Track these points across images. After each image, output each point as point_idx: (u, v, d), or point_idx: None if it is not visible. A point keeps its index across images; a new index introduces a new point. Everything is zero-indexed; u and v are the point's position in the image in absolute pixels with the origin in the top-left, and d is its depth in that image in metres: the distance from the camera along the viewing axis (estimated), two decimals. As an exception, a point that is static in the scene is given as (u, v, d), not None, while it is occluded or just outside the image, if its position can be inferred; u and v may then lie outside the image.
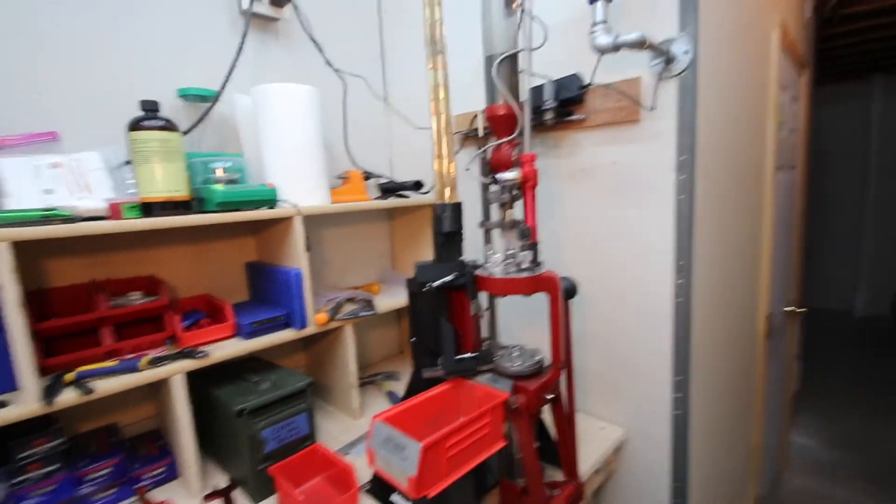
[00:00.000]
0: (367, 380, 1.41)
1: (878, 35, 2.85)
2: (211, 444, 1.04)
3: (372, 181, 1.43)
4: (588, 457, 1.00)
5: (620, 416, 1.13)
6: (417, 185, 1.35)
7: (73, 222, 0.77)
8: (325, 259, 1.41)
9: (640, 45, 0.77)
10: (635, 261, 1.04)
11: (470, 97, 1.12)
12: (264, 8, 1.22)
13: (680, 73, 0.90)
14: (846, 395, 2.98)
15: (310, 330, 1.07)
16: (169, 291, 1.05)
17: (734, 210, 1.26)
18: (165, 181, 0.89)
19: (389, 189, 1.39)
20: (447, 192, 0.70)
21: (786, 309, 2.13)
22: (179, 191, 0.92)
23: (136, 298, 1.00)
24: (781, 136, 1.70)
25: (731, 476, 1.45)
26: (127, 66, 1.03)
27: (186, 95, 1.09)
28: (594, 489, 1.10)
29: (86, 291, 0.95)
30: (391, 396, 1.30)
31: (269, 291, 1.16)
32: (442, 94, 0.67)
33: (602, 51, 0.79)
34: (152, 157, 0.87)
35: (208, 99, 1.11)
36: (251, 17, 1.19)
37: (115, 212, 0.87)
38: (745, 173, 1.33)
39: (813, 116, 2.73)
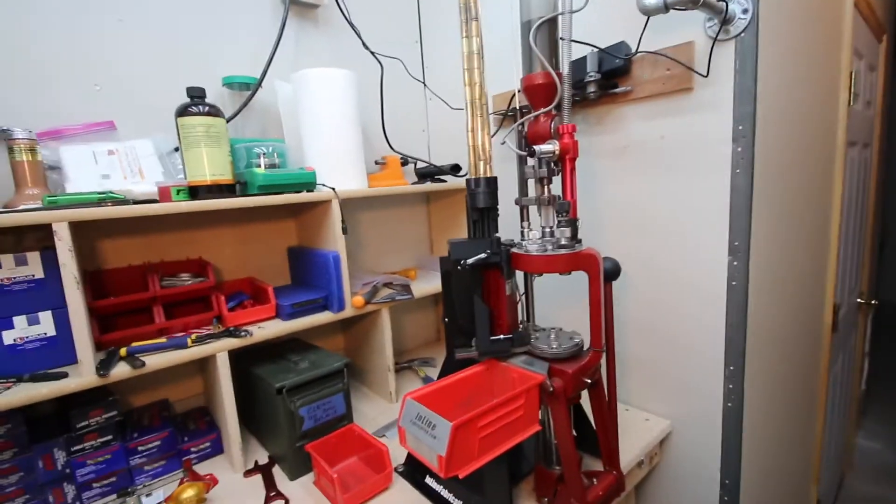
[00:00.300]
0: (404, 365, 1.42)
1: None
2: (253, 420, 1.08)
3: (409, 166, 1.42)
4: (630, 448, 0.95)
5: (666, 407, 1.07)
6: (455, 169, 1.33)
7: (126, 204, 0.81)
8: (362, 243, 1.42)
9: (694, 2, 0.70)
10: (685, 241, 0.97)
11: (508, 77, 1.08)
12: None
13: (738, 35, 0.82)
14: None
15: (347, 313, 1.08)
16: (216, 274, 1.09)
17: (799, 189, 1.15)
18: (211, 165, 0.92)
19: (427, 173, 1.38)
20: (481, 166, 0.68)
21: (856, 301, 1.95)
22: (224, 175, 0.95)
23: (186, 279, 1.04)
24: (855, 109, 1.54)
25: (789, 476, 1.35)
26: (175, 58, 1.08)
27: (230, 83, 1.13)
28: (636, 482, 1.05)
29: (140, 272, 1.01)
30: (427, 382, 1.30)
31: (308, 274, 1.18)
32: (476, 63, 0.64)
33: (649, 12, 0.73)
34: (199, 143, 0.90)
35: (251, 86, 1.14)
36: (291, 5, 1.21)
37: (164, 195, 0.91)
38: (812, 148, 1.22)
39: (893, 89, 2.46)
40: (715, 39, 0.85)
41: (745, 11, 0.81)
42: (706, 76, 0.88)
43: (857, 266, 1.92)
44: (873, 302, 1.98)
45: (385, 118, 1.36)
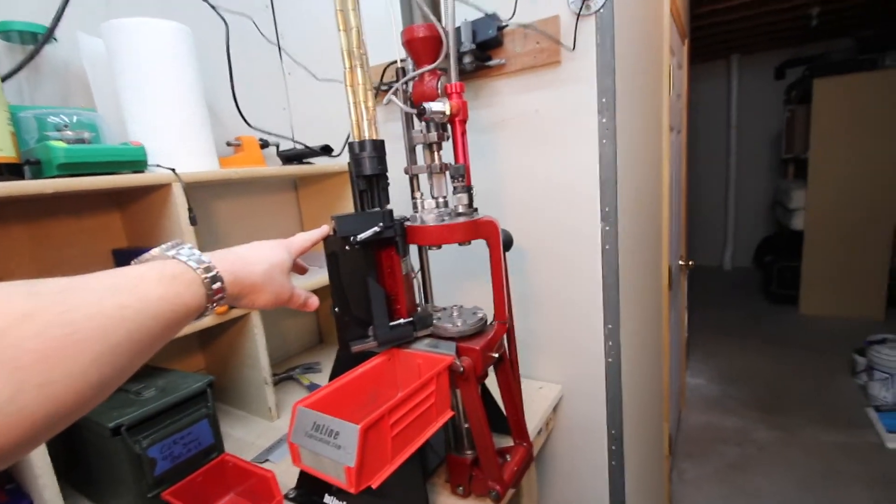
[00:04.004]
0: (284, 375, 1.25)
1: (735, 17, 3.21)
2: (82, 476, 0.82)
3: (271, 149, 1.25)
4: (531, 418, 0.96)
5: (556, 373, 1.11)
6: (326, 150, 1.20)
7: None
8: (218, 238, 1.20)
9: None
10: (564, 211, 1.01)
11: (381, 48, 1.00)
12: None
13: (598, 10, 0.86)
14: (724, 337, 3.39)
15: (205, 321, 0.89)
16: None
17: (643, 162, 1.30)
18: (-23, 139, 0.66)
19: (293, 156, 1.22)
20: (366, 126, 0.59)
21: (679, 263, 2.33)
22: (1, 150, 0.69)
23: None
24: (672, 99, 1.81)
25: (651, 418, 1.54)
26: None
27: (6, 32, 0.83)
28: (536, 451, 1.08)
29: None
30: (314, 389, 1.15)
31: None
32: (351, 3, 0.55)
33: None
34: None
35: (38, 38, 0.85)
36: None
37: None
38: (648, 127, 1.38)
39: (692, 84, 3.00)
40: (578, 14, 0.88)
41: (602, -13, 0.86)
42: (573, 50, 0.91)
43: (678, 234, 2.29)
44: (690, 263, 2.39)
45: (237, 92, 1.16)
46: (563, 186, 1.00)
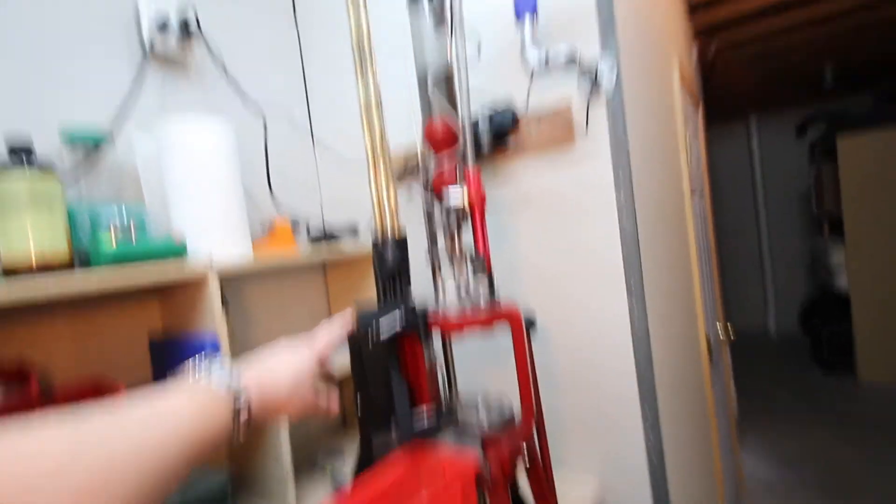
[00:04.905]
0: (305, 460, 1.21)
1: (751, 78, 3.30)
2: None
3: (301, 230, 1.30)
4: (567, 515, 0.88)
5: (590, 462, 1.04)
6: (354, 232, 1.25)
7: None
8: (248, 322, 1.23)
9: (571, 58, 0.77)
10: (588, 286, 1.00)
11: (401, 134, 1.06)
12: (170, 43, 1.09)
13: (608, 92, 0.91)
14: (778, 412, 3.12)
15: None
16: (43, 380, 0.83)
17: (665, 230, 1.29)
18: (38, 239, 0.72)
19: (322, 237, 1.27)
20: (388, 222, 0.61)
21: (718, 330, 2.22)
22: (57, 249, 0.75)
23: (-7, 392, 0.77)
24: (691, 164, 1.83)
25: (704, 509, 1.40)
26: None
27: (72, 139, 0.93)
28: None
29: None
30: (335, 479, 1.11)
31: (177, 368, 0.96)
32: (375, 109, 0.59)
33: (532, 65, 0.78)
34: (20, 210, 0.70)
35: (100, 142, 0.95)
36: (155, 53, 1.07)
37: (-42, 280, 0.67)
38: (669, 196, 1.39)
39: (708, 151, 3.03)
40: (589, 97, 0.93)
41: (610, 69, 0.90)
42: (586, 130, 0.95)
43: (712, 301, 2.21)
44: (730, 331, 2.27)
45: (271, 176, 1.24)
46: (585, 263, 1.00)
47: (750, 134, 4.75)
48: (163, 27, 1.06)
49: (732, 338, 2.23)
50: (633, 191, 0.94)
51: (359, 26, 0.58)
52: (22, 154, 0.71)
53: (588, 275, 0.99)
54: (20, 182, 0.70)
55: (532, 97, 0.96)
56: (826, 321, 3.68)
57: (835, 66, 3.17)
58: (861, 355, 3.35)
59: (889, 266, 3.21)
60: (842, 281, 3.49)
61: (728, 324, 2.37)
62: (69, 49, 0.97)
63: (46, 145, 0.87)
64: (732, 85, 3.41)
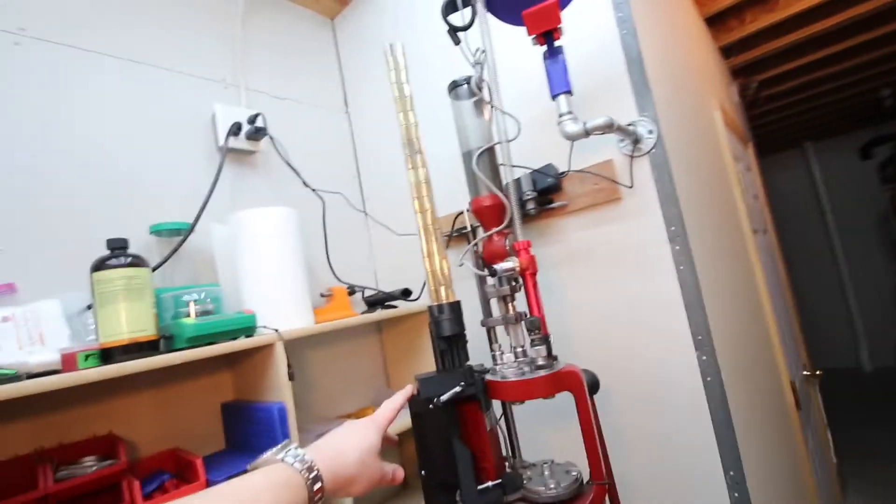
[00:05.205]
0: (370, 528, 1.19)
1: (801, 107, 3.19)
2: None
3: (357, 295, 1.37)
4: None
5: (674, 531, 0.95)
6: (406, 294, 1.29)
7: (15, 381, 0.66)
8: (311, 386, 1.27)
9: (609, 127, 0.79)
10: (650, 342, 0.96)
11: (448, 201, 1.12)
12: (241, 143, 1.26)
13: (650, 151, 0.92)
14: (883, 457, 2.73)
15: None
16: (129, 451, 0.90)
17: (730, 277, 1.23)
18: (130, 322, 0.81)
19: (376, 301, 1.32)
20: (443, 291, 0.64)
21: (803, 374, 2.02)
22: (145, 330, 0.83)
23: (90, 465, 0.84)
24: (747, 202, 1.76)
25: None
26: (95, 206, 1.01)
27: (158, 231, 1.06)
28: None
29: (28, 464, 0.80)
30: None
31: (248, 434, 1.01)
32: (425, 191, 0.64)
33: (572, 138, 0.81)
34: (116, 298, 0.80)
35: (182, 232, 1.07)
36: (228, 151, 1.22)
37: (68, 363, 0.76)
38: (729, 238, 1.33)
39: (766, 184, 2.90)
40: (632, 157, 0.94)
41: (650, 132, 0.92)
42: (631, 187, 0.96)
43: (793, 342, 2.03)
44: (818, 372, 2.06)
45: (329, 250, 1.33)
46: (646, 316, 0.97)
47: (808, 161, 4.51)
48: (236, 130, 1.22)
49: (818, 375, 2.01)
50: (687, 240, 0.92)
51: (408, 126, 0.64)
52: (119, 253, 0.82)
53: (646, 330, 0.96)
54: (118, 278, 0.80)
55: (574, 160, 0.99)
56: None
57: (892, 84, 3.01)
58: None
59: None
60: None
61: (813, 364, 2.15)
62: (158, 154, 1.13)
63: (138, 238, 0.99)
64: (782, 118, 3.31)
